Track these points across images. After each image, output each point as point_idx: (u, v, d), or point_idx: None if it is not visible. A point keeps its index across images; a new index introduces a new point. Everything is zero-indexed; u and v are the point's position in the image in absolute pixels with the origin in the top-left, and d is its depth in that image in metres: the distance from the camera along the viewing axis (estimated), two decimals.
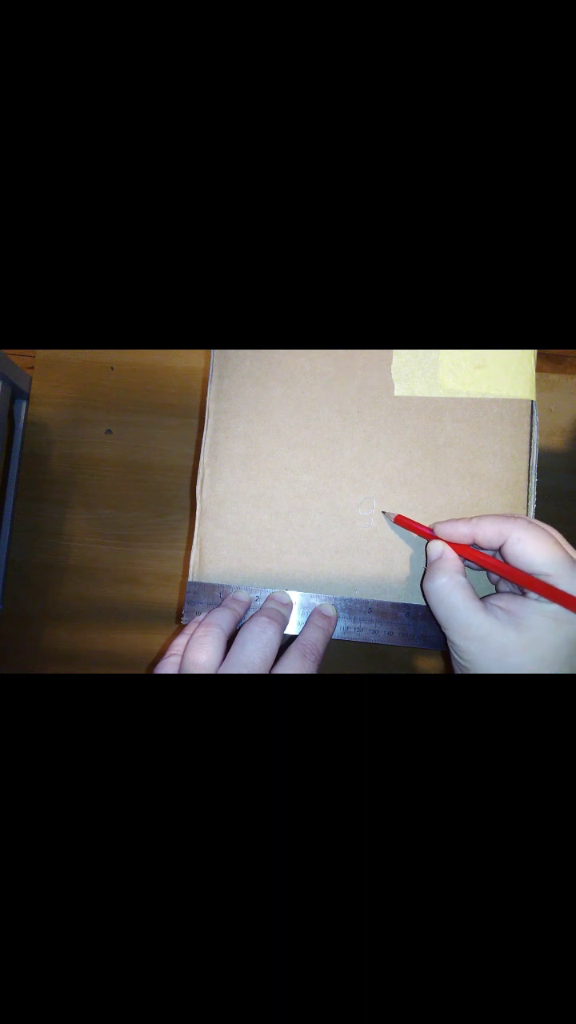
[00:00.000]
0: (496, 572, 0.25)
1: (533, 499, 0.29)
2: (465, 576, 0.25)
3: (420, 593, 0.29)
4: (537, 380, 0.30)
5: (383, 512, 0.30)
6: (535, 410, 0.30)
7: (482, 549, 0.26)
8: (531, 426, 0.30)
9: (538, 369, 0.31)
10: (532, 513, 0.29)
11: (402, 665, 0.38)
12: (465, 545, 0.26)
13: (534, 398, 0.30)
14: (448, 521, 0.27)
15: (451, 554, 0.26)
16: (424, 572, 0.27)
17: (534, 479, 0.29)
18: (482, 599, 0.25)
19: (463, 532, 0.26)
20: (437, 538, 0.27)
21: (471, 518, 0.26)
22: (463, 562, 0.26)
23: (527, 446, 0.30)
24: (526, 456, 0.30)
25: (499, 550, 0.25)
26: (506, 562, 0.25)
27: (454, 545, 0.26)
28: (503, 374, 0.30)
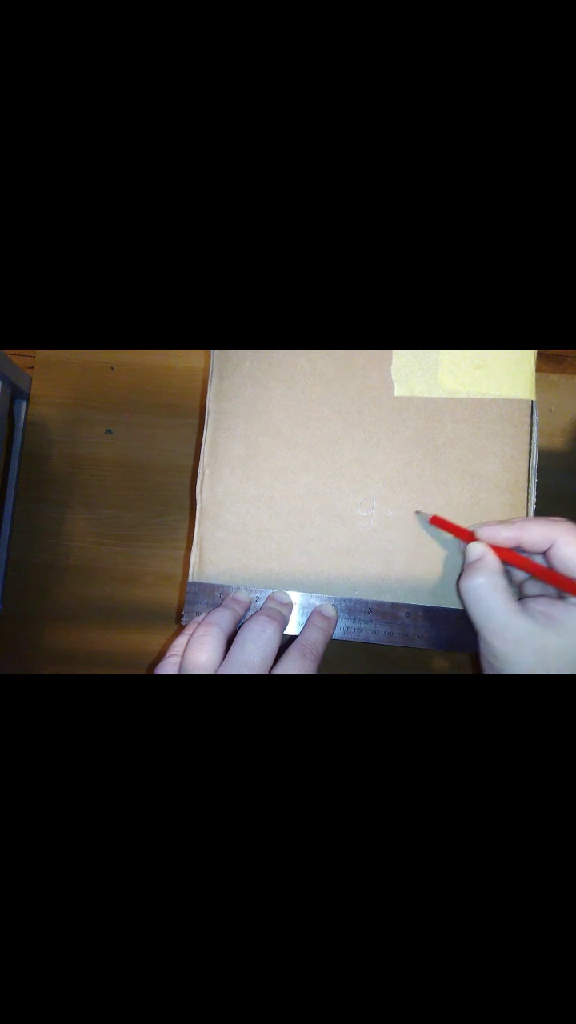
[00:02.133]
0: (539, 576, 0.25)
1: (533, 499, 0.29)
2: (503, 578, 0.25)
3: (420, 593, 0.29)
4: (537, 380, 0.30)
5: (416, 512, 0.29)
6: (535, 410, 0.30)
7: (525, 553, 0.26)
8: (531, 426, 0.30)
9: (538, 369, 0.30)
10: (532, 514, 0.29)
11: (402, 665, 0.38)
12: (505, 548, 0.26)
13: (534, 398, 0.30)
14: (489, 524, 0.26)
15: (492, 556, 0.26)
16: (460, 572, 0.27)
17: (534, 479, 0.29)
18: (518, 601, 0.25)
19: (506, 536, 0.26)
20: (478, 540, 0.27)
21: (513, 521, 0.26)
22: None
23: (527, 446, 0.30)
24: (526, 456, 0.30)
25: (544, 554, 0.25)
26: (550, 566, 0.25)
27: (494, 548, 0.26)
28: (503, 374, 0.30)
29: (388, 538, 0.30)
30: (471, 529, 0.27)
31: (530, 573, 0.25)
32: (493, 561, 0.25)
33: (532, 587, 0.27)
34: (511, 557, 0.26)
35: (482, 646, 0.25)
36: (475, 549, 0.26)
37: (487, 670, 0.25)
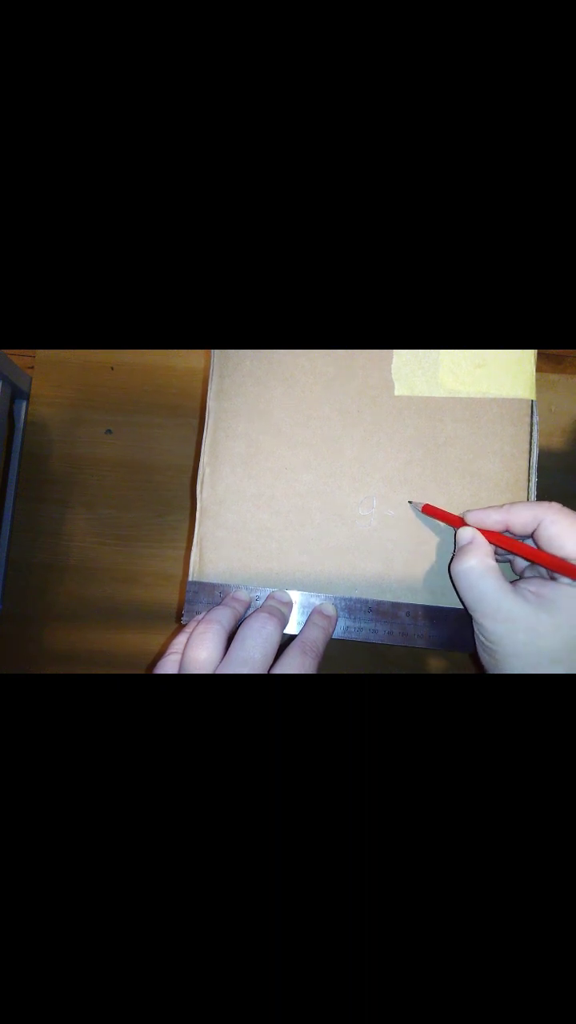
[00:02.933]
0: (527, 557, 0.25)
1: (533, 499, 0.29)
2: (494, 560, 0.25)
3: (420, 593, 0.29)
4: (537, 380, 0.30)
5: (409, 502, 0.30)
6: (535, 410, 0.30)
7: (514, 536, 0.26)
8: (531, 426, 0.30)
9: (538, 369, 0.31)
10: None
11: (402, 665, 0.38)
12: (495, 532, 0.26)
13: (534, 398, 0.30)
14: (478, 509, 0.27)
15: (481, 539, 0.26)
16: (452, 556, 0.27)
17: (534, 479, 0.30)
18: (511, 583, 0.25)
19: (495, 519, 0.26)
20: (467, 525, 0.27)
21: (502, 505, 0.26)
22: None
23: (527, 446, 0.30)
24: (526, 456, 0.30)
25: (531, 536, 0.25)
26: (538, 547, 0.25)
27: (484, 532, 0.26)
28: (503, 374, 0.30)
29: (388, 537, 0.30)
30: (460, 515, 0.27)
31: (518, 554, 0.26)
32: (483, 543, 0.26)
33: (531, 572, 0.27)
34: (500, 539, 0.26)
35: (476, 628, 0.25)
36: (465, 533, 0.26)
37: (480, 652, 0.25)
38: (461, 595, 0.25)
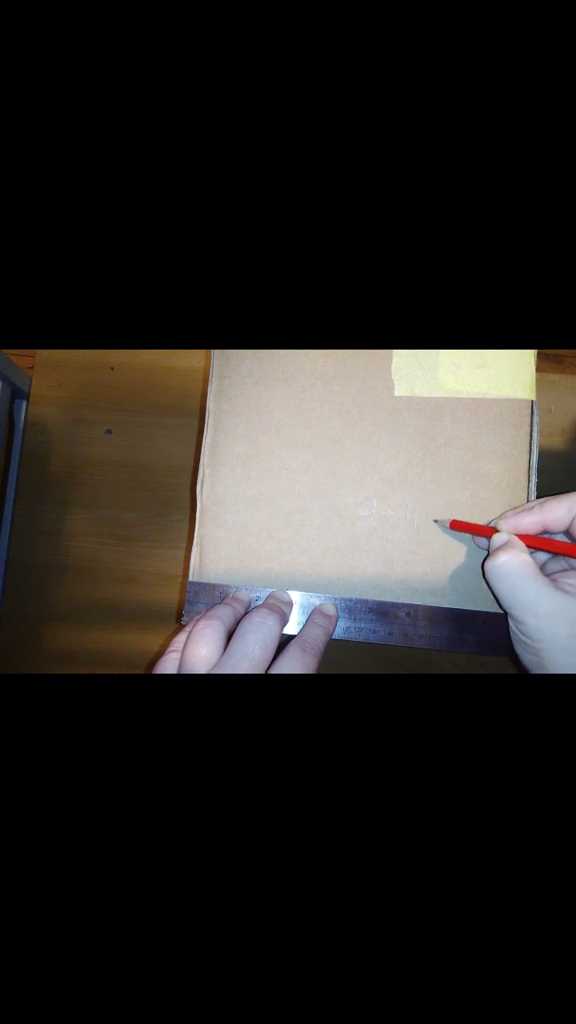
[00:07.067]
0: (570, 553, 0.24)
1: (533, 499, 0.29)
2: (530, 555, 0.25)
3: (420, 593, 0.29)
4: (537, 380, 0.30)
5: (435, 521, 0.29)
6: (535, 410, 0.30)
7: (551, 535, 0.26)
8: (531, 426, 0.30)
9: (538, 369, 0.31)
10: None
11: (402, 665, 0.38)
12: (531, 536, 0.26)
13: (534, 398, 0.30)
14: (509, 513, 0.26)
15: (516, 539, 0.25)
16: (486, 556, 0.26)
17: (534, 479, 0.30)
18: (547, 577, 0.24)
19: (530, 520, 0.25)
20: (500, 532, 0.26)
21: (531, 505, 0.26)
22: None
23: (527, 446, 0.30)
24: (526, 456, 0.30)
25: (567, 531, 0.25)
26: (574, 539, 0.24)
27: (520, 536, 0.26)
28: (503, 374, 0.30)
29: (388, 537, 0.30)
30: (492, 524, 0.27)
31: (562, 553, 0.25)
32: (518, 542, 0.25)
33: (553, 565, 0.27)
34: (538, 542, 0.25)
35: (512, 627, 0.24)
36: (500, 537, 0.26)
37: (521, 653, 0.25)
38: (496, 592, 0.25)
